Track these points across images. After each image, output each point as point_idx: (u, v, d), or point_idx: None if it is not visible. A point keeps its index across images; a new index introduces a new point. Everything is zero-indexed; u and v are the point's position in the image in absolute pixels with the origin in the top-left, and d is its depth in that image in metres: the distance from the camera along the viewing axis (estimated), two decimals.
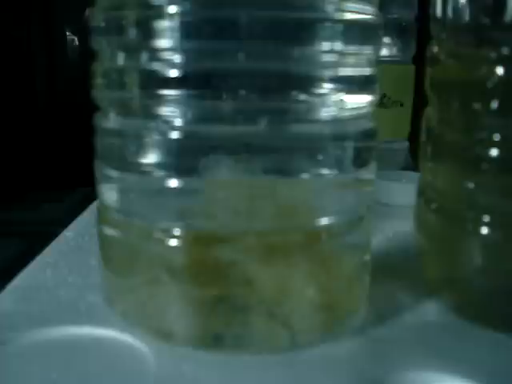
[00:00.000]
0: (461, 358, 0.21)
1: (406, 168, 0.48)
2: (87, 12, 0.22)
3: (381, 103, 0.46)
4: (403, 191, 0.38)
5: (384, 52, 0.48)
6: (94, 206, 0.25)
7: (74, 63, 1.89)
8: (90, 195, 0.28)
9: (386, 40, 0.48)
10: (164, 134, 0.20)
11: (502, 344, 0.22)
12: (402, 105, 0.48)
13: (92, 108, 0.23)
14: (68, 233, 0.33)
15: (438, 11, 0.24)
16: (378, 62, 0.23)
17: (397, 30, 0.48)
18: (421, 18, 0.49)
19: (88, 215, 0.36)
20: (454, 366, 0.20)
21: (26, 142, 1.87)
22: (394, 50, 0.48)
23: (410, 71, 0.49)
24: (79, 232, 0.33)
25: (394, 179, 0.42)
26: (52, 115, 1.91)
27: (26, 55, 1.88)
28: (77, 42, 1.90)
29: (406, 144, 0.51)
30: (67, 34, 1.90)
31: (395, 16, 0.48)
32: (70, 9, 1.78)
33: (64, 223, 0.34)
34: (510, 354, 0.21)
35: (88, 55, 0.22)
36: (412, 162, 0.49)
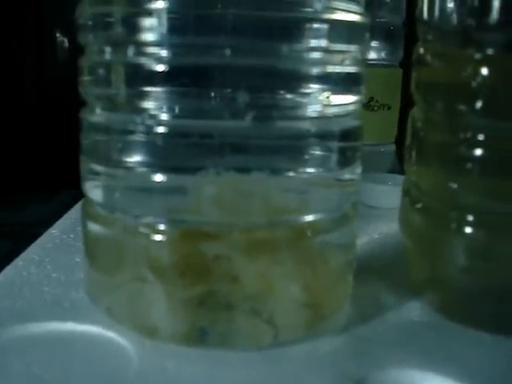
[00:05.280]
0: (444, 357, 0.21)
1: (392, 171, 0.48)
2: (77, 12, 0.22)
3: (368, 106, 0.47)
4: (389, 194, 0.38)
5: (372, 55, 0.48)
6: (80, 205, 0.25)
7: (63, 64, 1.89)
8: (77, 196, 0.28)
9: (375, 44, 0.48)
10: (150, 128, 0.20)
11: (485, 343, 0.22)
12: (389, 108, 0.48)
13: (81, 109, 0.23)
14: (53, 230, 0.33)
15: (425, 13, 0.24)
16: (366, 65, 0.23)
17: (385, 34, 0.49)
18: (409, 23, 0.50)
19: (74, 213, 0.36)
20: (437, 365, 0.20)
21: (13, 143, 1.86)
22: (382, 54, 0.49)
23: (398, 75, 0.49)
24: (65, 230, 0.33)
25: (380, 182, 0.42)
26: (40, 116, 1.90)
27: (15, 55, 1.87)
28: (67, 43, 1.90)
29: (393, 147, 0.51)
30: (57, 35, 1.90)
31: (384, 20, 0.48)
32: (60, 10, 1.77)
33: (51, 224, 0.34)
34: (492, 354, 0.22)
35: (78, 57, 0.22)
36: (399, 166, 0.49)
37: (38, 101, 1.93)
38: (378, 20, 0.48)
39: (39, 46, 1.92)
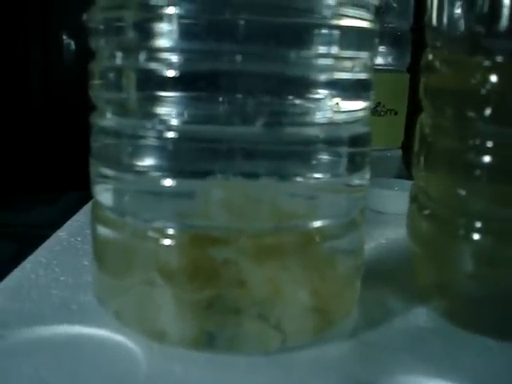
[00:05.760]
0: (450, 364, 0.21)
1: (398, 176, 0.48)
2: (85, 16, 0.22)
3: (375, 111, 0.47)
4: (396, 199, 0.38)
5: (379, 60, 0.48)
6: (88, 207, 0.25)
7: (70, 66, 1.89)
8: (85, 198, 0.28)
9: (382, 49, 0.48)
10: (160, 133, 0.20)
11: (491, 350, 0.22)
12: (396, 113, 0.48)
13: (88, 111, 0.23)
14: (61, 233, 0.33)
15: (434, 19, 0.24)
16: (374, 70, 0.23)
17: (392, 39, 0.49)
18: (416, 28, 0.50)
19: (82, 216, 0.36)
20: (444, 371, 0.20)
21: (19, 144, 1.86)
22: (389, 59, 0.49)
23: (405, 80, 0.49)
24: (72, 233, 0.33)
25: (387, 187, 0.42)
26: (47, 117, 1.91)
27: (22, 56, 1.88)
28: (73, 45, 1.90)
29: (400, 152, 0.51)
30: (64, 37, 1.90)
31: (391, 25, 0.49)
32: (67, 12, 1.78)
33: (57, 226, 0.34)
34: (499, 360, 0.22)
35: (85, 59, 0.22)
36: (405, 171, 0.49)
37: (44, 102, 1.94)
38: (385, 25, 0.48)
39: (46, 48, 1.93)
